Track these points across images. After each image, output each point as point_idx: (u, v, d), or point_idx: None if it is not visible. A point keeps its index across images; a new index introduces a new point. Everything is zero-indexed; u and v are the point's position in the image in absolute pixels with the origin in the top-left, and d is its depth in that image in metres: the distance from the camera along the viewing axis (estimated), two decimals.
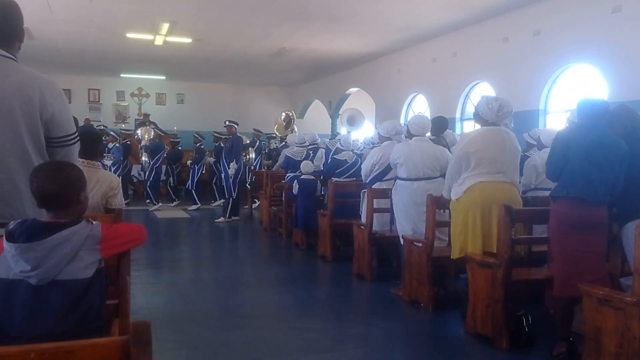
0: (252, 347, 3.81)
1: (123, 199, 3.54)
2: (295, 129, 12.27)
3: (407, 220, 5.06)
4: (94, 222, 1.94)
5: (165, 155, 11.86)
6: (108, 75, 15.53)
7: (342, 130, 12.07)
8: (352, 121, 11.41)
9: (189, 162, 11.74)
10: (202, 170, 11.88)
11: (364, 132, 12.08)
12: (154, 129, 12.54)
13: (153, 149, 11.41)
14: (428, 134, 5.29)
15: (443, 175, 4.92)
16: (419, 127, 5.13)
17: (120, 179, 5.45)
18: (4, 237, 1.83)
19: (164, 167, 11.99)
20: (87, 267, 1.86)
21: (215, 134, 12.15)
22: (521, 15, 8.13)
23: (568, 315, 3.53)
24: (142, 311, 4.52)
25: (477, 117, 4.19)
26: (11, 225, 1.85)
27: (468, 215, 4.03)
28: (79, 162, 3.37)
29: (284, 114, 12.98)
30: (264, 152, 12.54)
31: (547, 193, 4.65)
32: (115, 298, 2.12)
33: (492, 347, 3.71)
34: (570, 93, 7.62)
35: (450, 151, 5.74)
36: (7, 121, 2.16)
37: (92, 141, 3.51)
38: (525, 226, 4.41)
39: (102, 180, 3.42)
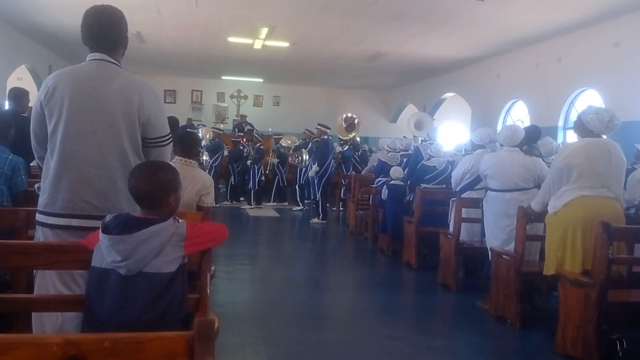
0: (331, 349, 3.84)
1: (214, 198, 3.70)
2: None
3: (497, 232, 4.89)
4: (179, 221, 2.05)
5: (226, 154, 12.03)
6: (210, 77, 16.29)
7: (408, 135, 11.75)
8: (420, 125, 11.11)
9: (248, 162, 11.89)
10: (264, 170, 11.95)
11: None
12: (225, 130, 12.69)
13: (213, 148, 11.68)
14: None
15: (538, 187, 4.70)
16: (508, 138, 4.93)
17: None
18: (100, 229, 1.98)
19: (224, 166, 12.21)
20: (171, 262, 1.97)
21: (255, 136, 12.24)
22: (634, 18, 7.57)
23: None
24: (228, 305, 4.71)
25: (581, 127, 3.93)
26: (107, 218, 2.00)
27: (568, 230, 3.81)
28: (177, 160, 3.59)
29: (344, 115, 12.74)
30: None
31: None
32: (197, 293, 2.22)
33: None
34: None
35: (544, 161, 5.48)
36: (109, 122, 2.33)
37: (189, 141, 3.71)
38: (627, 245, 4.11)
39: (197, 179, 3.60)
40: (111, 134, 2.34)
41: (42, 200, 2.38)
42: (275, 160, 12.18)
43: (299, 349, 3.82)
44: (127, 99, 2.35)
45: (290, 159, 11.60)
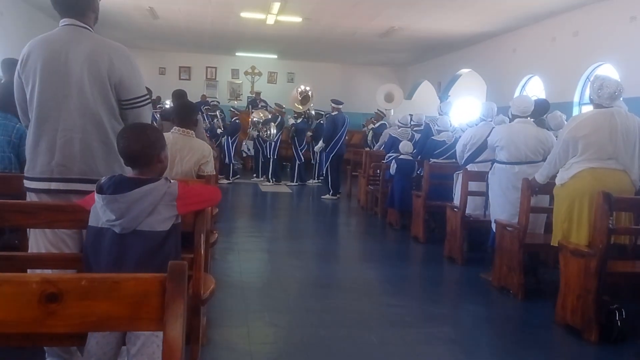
0: (333, 316, 3.90)
1: (214, 166, 3.74)
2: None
3: (504, 204, 4.88)
4: (172, 181, 2.10)
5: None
6: (224, 53, 16.27)
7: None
8: (390, 98, 10.93)
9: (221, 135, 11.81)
10: (239, 143, 12.01)
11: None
12: (264, 106, 12.80)
13: None
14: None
15: (545, 160, 4.68)
16: (522, 108, 4.89)
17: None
18: (95, 190, 2.05)
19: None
20: (164, 220, 2.03)
21: (231, 110, 12.37)
22: None
23: None
24: (235, 275, 4.80)
25: (590, 99, 3.95)
26: (102, 179, 2.06)
27: (574, 203, 3.81)
28: (176, 130, 3.64)
29: (301, 87, 12.56)
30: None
31: None
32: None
33: (580, 339, 3.52)
34: None
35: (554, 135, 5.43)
36: (79, 86, 2.36)
37: (187, 111, 3.75)
38: (634, 217, 4.09)
39: (196, 149, 3.64)
40: (82, 97, 2.37)
41: (26, 165, 2.47)
42: (255, 134, 12.10)
43: (302, 315, 3.90)
44: (94, 60, 2.36)
45: (260, 133, 11.69)
